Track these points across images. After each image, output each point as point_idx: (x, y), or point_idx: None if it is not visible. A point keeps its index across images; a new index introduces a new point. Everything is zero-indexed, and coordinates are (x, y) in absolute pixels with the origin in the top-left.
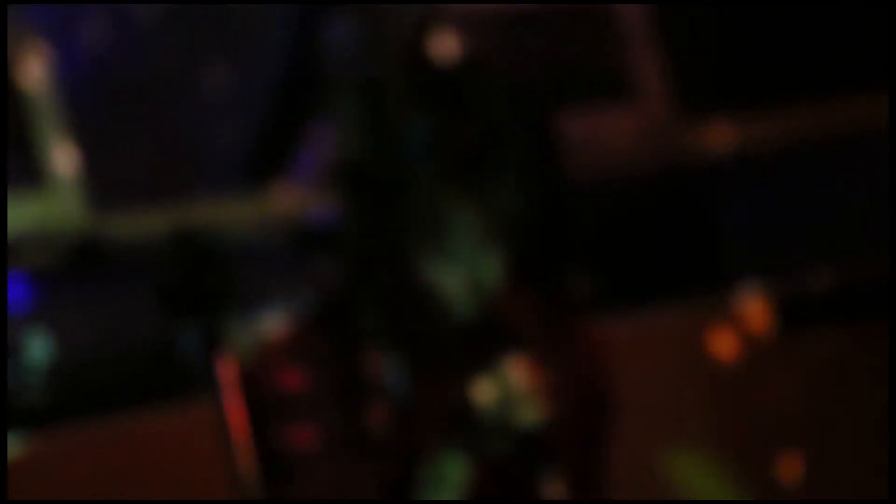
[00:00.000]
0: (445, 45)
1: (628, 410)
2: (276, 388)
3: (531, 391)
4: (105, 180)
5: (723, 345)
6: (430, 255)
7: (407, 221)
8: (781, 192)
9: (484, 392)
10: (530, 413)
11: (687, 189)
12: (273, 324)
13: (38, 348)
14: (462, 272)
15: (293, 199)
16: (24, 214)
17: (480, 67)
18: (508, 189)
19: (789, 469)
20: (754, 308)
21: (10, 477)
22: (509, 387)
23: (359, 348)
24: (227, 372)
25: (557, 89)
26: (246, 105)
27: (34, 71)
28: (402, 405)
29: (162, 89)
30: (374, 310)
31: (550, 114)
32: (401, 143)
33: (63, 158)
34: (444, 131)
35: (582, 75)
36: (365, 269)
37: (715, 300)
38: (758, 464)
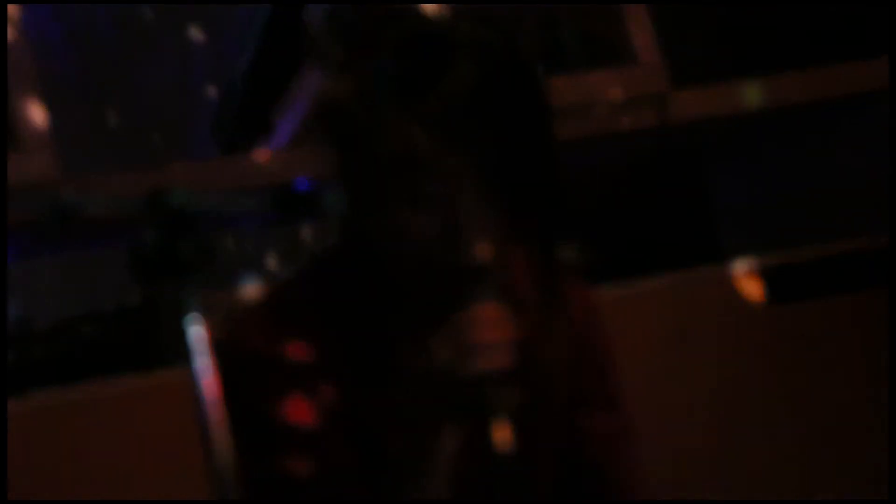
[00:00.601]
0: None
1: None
2: (261, 356)
3: (492, 342)
4: (79, 141)
5: (715, 316)
6: (411, 201)
7: (387, 166)
8: (775, 161)
9: (440, 344)
10: (483, 363)
11: (679, 158)
12: (252, 289)
13: (9, 310)
14: (444, 219)
15: (272, 164)
16: None
17: (472, 20)
18: (497, 143)
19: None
20: (746, 279)
21: None
22: (462, 337)
23: (347, 312)
24: (202, 337)
25: (550, 54)
26: (224, 67)
27: (7, 30)
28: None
29: (139, 50)
30: (360, 260)
31: (542, 74)
32: (381, 88)
33: (36, 118)
34: (427, 79)
35: (576, 41)
36: (349, 219)
37: (707, 270)
38: (746, 435)
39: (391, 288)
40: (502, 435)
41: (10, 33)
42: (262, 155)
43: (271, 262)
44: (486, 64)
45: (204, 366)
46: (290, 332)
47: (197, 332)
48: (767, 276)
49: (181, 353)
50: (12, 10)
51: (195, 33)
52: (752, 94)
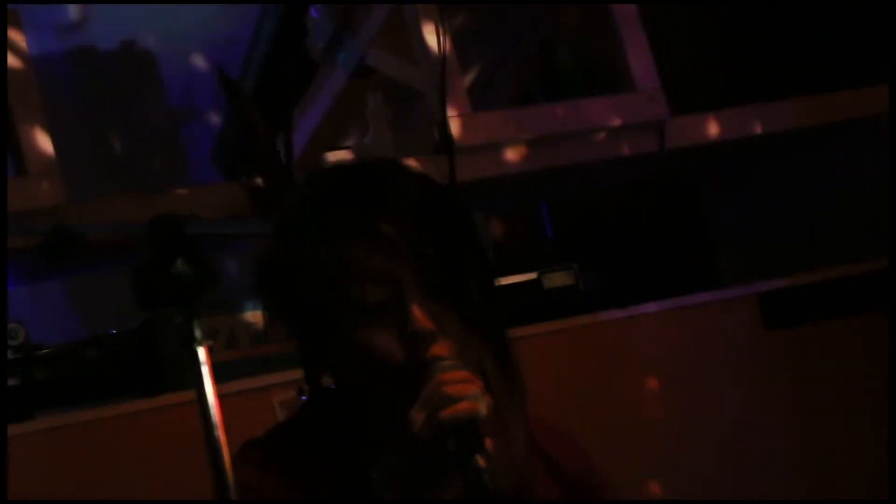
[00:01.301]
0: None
1: (618, 403)
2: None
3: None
4: (83, 167)
5: (713, 340)
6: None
7: (336, 287)
8: (772, 187)
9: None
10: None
11: (677, 184)
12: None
13: (14, 333)
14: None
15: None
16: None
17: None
18: (437, 252)
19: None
20: (744, 304)
21: None
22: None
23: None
24: (204, 361)
25: (549, 81)
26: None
27: (14, 59)
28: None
29: (142, 76)
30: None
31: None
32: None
33: (41, 144)
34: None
35: (574, 68)
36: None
37: (704, 296)
38: (746, 459)
39: (366, 406)
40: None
41: (15, 61)
42: (262, 181)
43: None
44: (419, 187)
45: (207, 389)
46: (279, 469)
47: (199, 355)
48: (765, 301)
49: (184, 376)
50: (17, 36)
51: (197, 60)
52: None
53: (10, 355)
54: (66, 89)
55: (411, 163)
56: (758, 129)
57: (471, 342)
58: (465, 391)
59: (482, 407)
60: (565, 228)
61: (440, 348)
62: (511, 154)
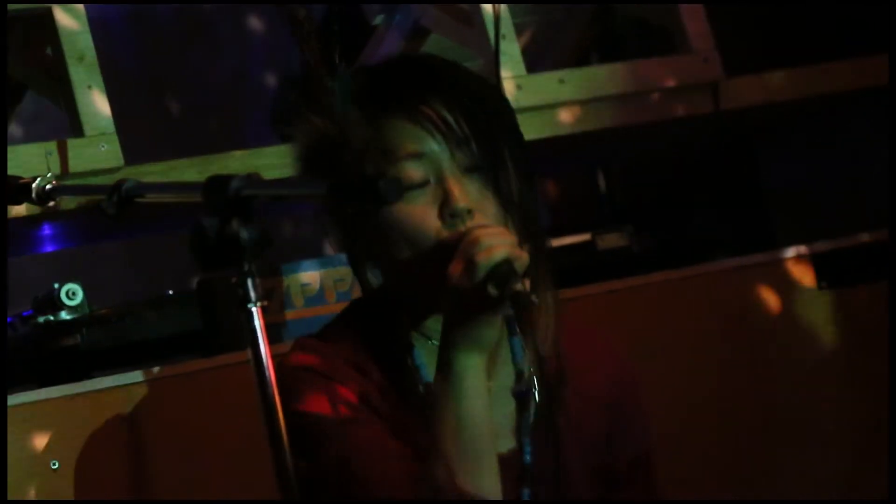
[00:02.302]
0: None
1: (672, 364)
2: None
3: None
4: (140, 129)
5: (767, 301)
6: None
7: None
8: (828, 148)
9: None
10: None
11: (733, 145)
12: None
13: (72, 293)
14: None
15: None
16: (63, 161)
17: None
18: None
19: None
20: (799, 264)
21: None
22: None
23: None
24: (261, 321)
25: (605, 43)
26: (283, 55)
27: (71, 19)
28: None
29: (199, 38)
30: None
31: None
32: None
33: (99, 106)
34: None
35: (630, 30)
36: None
37: (760, 257)
38: (802, 422)
39: (411, 294)
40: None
41: (72, 23)
42: None
43: (328, 247)
44: (462, 76)
45: (264, 350)
46: (335, 352)
47: (254, 316)
48: (819, 261)
49: (241, 336)
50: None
51: (254, 22)
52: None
53: (67, 315)
54: (123, 51)
55: None
56: (813, 90)
57: (508, 227)
58: (501, 237)
59: (519, 254)
60: (620, 190)
61: (478, 222)
62: (565, 115)
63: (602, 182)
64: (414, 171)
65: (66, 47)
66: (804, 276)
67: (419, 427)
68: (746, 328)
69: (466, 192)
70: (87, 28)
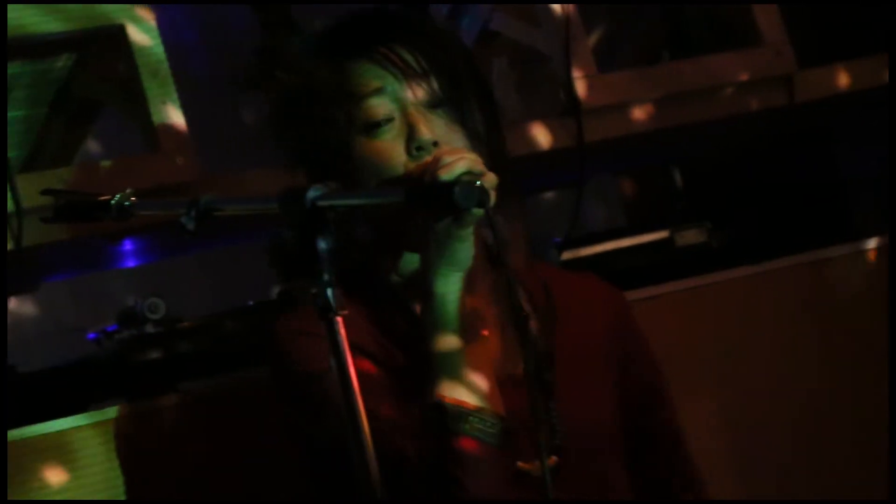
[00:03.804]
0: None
1: (754, 359)
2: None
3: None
4: (217, 141)
5: (848, 292)
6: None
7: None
8: None
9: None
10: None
11: (808, 137)
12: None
13: (155, 307)
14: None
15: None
16: (140, 176)
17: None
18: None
19: None
20: (879, 255)
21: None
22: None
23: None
24: (342, 330)
25: (676, 38)
26: None
27: (144, 35)
28: None
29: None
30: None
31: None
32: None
33: (175, 119)
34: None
35: (701, 25)
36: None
37: (839, 249)
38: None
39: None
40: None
41: (145, 38)
42: None
43: None
44: (421, 21)
45: (343, 357)
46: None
47: (335, 325)
48: None
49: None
50: (146, 13)
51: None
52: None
53: (151, 329)
54: (196, 64)
55: (538, 125)
56: (888, 79)
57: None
58: (461, 153)
59: (481, 167)
60: (696, 186)
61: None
62: (639, 113)
63: (678, 178)
64: (377, 107)
65: (139, 63)
66: (885, 266)
67: (410, 367)
68: (829, 321)
69: (432, 126)
70: (159, 43)
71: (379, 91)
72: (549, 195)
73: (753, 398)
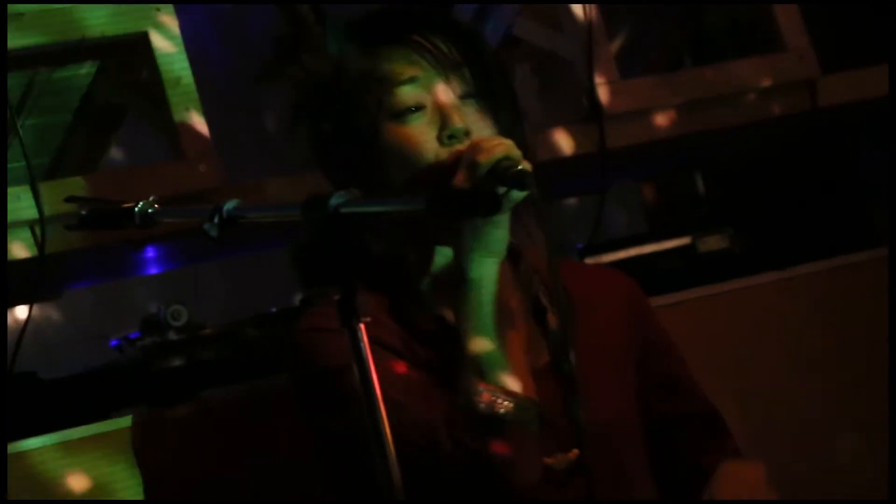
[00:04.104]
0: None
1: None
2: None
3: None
4: (239, 148)
5: (870, 299)
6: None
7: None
8: None
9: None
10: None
11: (830, 143)
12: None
13: (177, 314)
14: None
15: None
16: (162, 183)
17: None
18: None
19: None
20: None
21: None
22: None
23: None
24: (364, 337)
25: (698, 44)
26: None
27: (167, 42)
28: None
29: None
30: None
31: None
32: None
33: (197, 127)
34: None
35: (723, 30)
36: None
37: (861, 255)
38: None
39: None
40: None
41: (167, 44)
42: None
43: None
44: (449, 17)
45: (366, 364)
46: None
47: (358, 332)
48: None
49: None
50: (169, 20)
51: None
52: None
53: (174, 336)
54: (219, 71)
55: (560, 131)
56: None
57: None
58: (500, 140)
59: (518, 153)
60: (719, 192)
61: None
62: (661, 119)
63: (700, 184)
64: (410, 95)
65: (162, 70)
66: None
67: (436, 362)
68: (851, 327)
69: (463, 116)
70: (182, 50)
71: (413, 79)
72: (570, 201)
73: (775, 404)
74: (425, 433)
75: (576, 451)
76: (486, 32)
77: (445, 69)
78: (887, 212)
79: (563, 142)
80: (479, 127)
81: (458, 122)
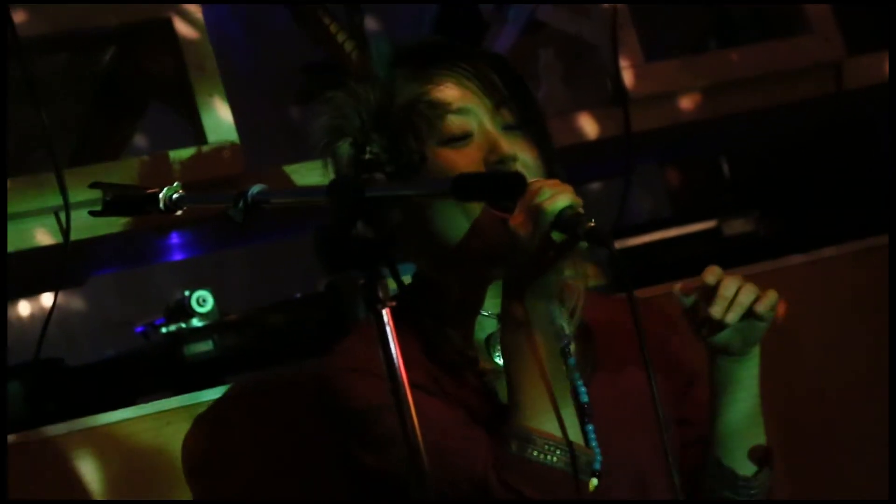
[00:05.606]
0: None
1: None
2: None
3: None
4: (262, 135)
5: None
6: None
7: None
8: None
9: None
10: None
11: (856, 125)
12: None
13: (203, 300)
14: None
15: None
16: (186, 169)
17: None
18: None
19: None
20: None
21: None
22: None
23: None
24: (390, 321)
25: (724, 27)
26: None
27: (191, 29)
28: None
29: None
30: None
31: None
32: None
33: (221, 114)
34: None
35: (749, 13)
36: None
37: (886, 237)
38: None
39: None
40: None
41: (191, 31)
42: None
43: None
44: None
45: (391, 349)
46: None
47: (383, 317)
48: None
49: None
50: (193, 8)
51: (369, 23)
52: None
53: (199, 322)
54: (242, 58)
55: (585, 116)
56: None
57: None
58: (564, 188)
59: (579, 200)
60: (744, 175)
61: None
62: (686, 103)
63: (726, 168)
64: (459, 123)
65: (186, 57)
66: None
67: (472, 397)
68: (877, 310)
69: (510, 144)
70: (206, 37)
71: (463, 110)
72: (595, 185)
73: (801, 388)
74: (472, 477)
75: (594, 480)
76: (510, 17)
77: (495, 101)
78: None
79: (588, 126)
80: (524, 156)
81: (506, 148)
